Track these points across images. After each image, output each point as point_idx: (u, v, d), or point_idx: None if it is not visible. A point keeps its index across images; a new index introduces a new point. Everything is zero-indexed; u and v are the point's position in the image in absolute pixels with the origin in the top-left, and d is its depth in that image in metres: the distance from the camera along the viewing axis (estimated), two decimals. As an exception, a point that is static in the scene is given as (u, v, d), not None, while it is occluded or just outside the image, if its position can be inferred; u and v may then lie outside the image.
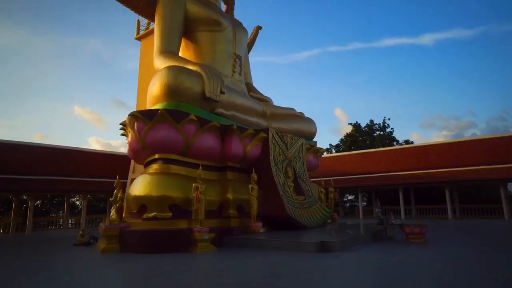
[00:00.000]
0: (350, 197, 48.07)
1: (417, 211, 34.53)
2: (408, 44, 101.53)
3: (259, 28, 28.25)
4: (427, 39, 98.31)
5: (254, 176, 15.39)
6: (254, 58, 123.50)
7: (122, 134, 16.76)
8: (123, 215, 14.54)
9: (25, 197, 30.80)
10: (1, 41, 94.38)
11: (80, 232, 16.08)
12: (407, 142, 51.83)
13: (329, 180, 22.39)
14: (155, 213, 12.85)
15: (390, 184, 33.21)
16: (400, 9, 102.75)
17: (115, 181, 14.31)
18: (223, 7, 25.11)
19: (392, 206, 34.72)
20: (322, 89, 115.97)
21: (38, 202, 36.92)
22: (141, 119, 14.04)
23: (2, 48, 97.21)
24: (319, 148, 22.54)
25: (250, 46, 26.79)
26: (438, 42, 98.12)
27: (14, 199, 26.62)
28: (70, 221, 30.88)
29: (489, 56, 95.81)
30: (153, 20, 20.58)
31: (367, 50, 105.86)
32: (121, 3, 19.30)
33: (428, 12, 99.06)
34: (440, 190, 33.21)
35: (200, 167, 13.58)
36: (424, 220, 27.51)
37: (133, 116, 14.18)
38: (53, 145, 30.53)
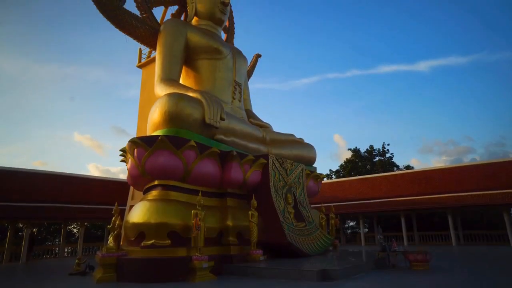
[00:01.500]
0: (351, 223, 47.40)
1: (420, 237, 33.91)
2: (404, 71, 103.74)
3: (258, 56, 28.97)
4: (423, 66, 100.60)
5: (254, 202, 15.21)
6: (254, 85, 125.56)
7: (122, 161, 16.72)
8: (121, 243, 14.26)
9: (21, 225, 30.30)
10: (3, 69, 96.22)
11: (76, 260, 15.71)
12: (407, 167, 51.64)
13: (330, 206, 22.13)
14: (153, 241, 12.59)
15: (391, 210, 32.82)
16: (395, 37, 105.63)
17: (114, 207, 14.10)
18: (223, 36, 25.78)
19: (394, 232, 34.18)
20: (321, 115, 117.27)
21: (34, 230, 36.30)
22: (141, 145, 14.04)
23: (4, 76, 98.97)
24: (319, 173, 22.44)
25: (249, 73, 27.32)
26: (433, 69, 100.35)
27: (9, 227, 26.17)
28: (66, 250, 30.24)
29: (484, 82, 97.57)
30: (154, 49, 21.04)
31: (365, 77, 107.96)
32: (124, 32, 19.81)
33: (423, 40, 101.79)
34: (442, 215, 32.79)
35: (200, 194, 13.44)
36: (428, 247, 26.95)
37: (133, 142, 14.20)
38: (49, 171, 30.30)
